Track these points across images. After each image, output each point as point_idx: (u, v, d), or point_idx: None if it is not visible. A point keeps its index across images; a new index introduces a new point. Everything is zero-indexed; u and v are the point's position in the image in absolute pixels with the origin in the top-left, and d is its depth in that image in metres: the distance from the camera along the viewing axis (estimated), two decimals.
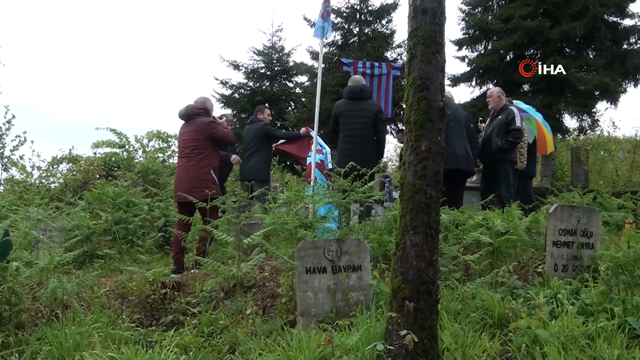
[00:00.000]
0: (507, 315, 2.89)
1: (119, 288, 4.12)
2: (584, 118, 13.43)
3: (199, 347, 2.98)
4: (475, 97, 14.00)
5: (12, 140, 10.36)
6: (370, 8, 16.79)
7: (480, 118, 8.06)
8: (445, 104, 2.47)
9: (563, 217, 3.73)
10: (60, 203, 7.60)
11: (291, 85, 18.83)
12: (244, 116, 16.57)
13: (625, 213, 5.83)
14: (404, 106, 2.55)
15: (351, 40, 16.82)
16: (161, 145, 11.11)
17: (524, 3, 12.66)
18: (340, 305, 3.25)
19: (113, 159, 10.24)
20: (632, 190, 7.98)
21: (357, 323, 2.92)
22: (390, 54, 16.86)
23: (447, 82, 7.12)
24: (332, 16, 11.47)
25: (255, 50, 18.20)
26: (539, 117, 7.56)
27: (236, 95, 18.03)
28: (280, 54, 18.42)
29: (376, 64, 7.80)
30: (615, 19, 12.88)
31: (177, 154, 6.18)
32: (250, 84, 18.23)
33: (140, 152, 10.68)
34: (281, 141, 7.46)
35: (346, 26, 16.81)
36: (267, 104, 9.06)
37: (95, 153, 10.31)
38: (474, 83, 14.25)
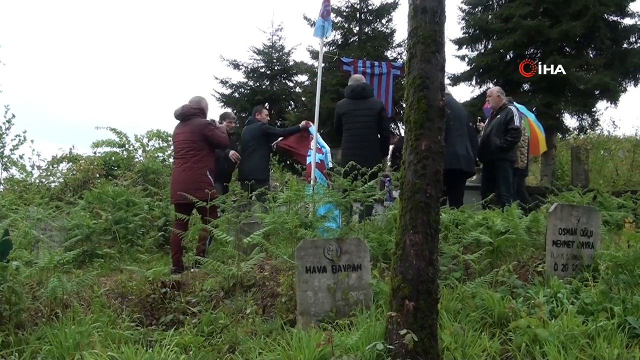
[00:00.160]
0: (507, 314, 2.89)
1: (119, 287, 4.13)
2: (584, 117, 13.39)
3: (198, 347, 2.98)
4: (475, 97, 13.97)
5: (12, 140, 10.34)
6: (370, 7, 16.78)
7: (479, 117, 8.05)
8: (446, 103, 2.47)
9: (563, 217, 3.74)
10: (60, 202, 7.61)
11: (291, 84, 18.83)
12: (243, 115, 16.56)
13: (625, 212, 5.83)
14: (404, 105, 2.55)
15: (351, 40, 16.80)
16: (161, 145, 11.09)
17: (524, 2, 12.64)
18: (340, 304, 3.26)
19: (113, 158, 10.24)
20: (632, 189, 7.98)
21: (357, 322, 2.92)
22: (390, 53, 16.86)
23: (447, 81, 7.13)
24: (332, 15, 11.45)
25: (255, 50, 18.22)
26: (531, 116, 7.56)
27: (236, 94, 18.02)
28: (280, 53, 18.41)
29: (376, 63, 7.80)
30: (615, 18, 12.85)
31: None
32: (250, 83, 18.21)
33: (140, 151, 10.67)
34: (280, 138, 7.46)
35: (346, 25, 16.79)
36: (266, 104, 9.07)
37: (95, 152, 10.33)
38: (474, 82, 14.20)
